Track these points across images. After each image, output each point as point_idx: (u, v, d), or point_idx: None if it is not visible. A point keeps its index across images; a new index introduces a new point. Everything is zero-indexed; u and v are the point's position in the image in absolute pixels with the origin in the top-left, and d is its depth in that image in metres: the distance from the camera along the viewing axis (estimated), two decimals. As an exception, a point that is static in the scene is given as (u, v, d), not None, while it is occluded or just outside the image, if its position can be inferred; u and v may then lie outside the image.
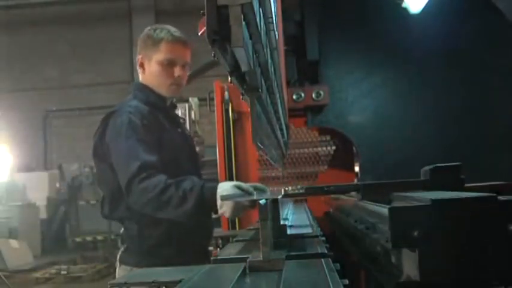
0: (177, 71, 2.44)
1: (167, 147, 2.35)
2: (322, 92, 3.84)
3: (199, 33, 2.51)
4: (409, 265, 1.19)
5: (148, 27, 2.53)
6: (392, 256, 1.35)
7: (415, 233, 1.10)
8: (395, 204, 1.44)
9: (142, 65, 2.48)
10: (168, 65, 2.43)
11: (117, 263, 2.43)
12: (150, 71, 2.46)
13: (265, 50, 1.21)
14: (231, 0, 0.79)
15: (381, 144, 3.98)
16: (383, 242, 1.27)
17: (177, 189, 2.10)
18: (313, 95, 3.83)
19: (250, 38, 0.99)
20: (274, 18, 1.40)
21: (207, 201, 2.09)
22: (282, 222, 1.76)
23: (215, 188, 2.10)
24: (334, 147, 3.99)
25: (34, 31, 14.84)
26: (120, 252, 2.42)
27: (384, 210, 1.30)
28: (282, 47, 2.73)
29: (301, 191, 2.22)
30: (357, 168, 4.08)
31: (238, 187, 2.07)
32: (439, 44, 3.94)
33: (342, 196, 2.58)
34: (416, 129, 3.99)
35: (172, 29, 2.47)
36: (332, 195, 3.01)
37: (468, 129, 3.91)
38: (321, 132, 4.02)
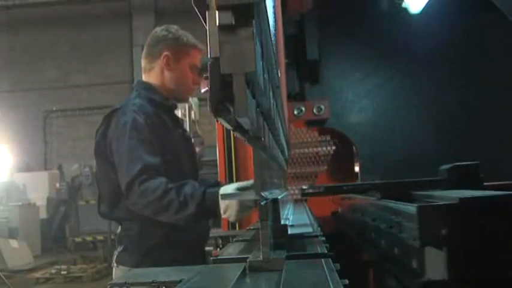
0: (198, 78, 2.54)
1: (169, 147, 2.35)
2: (323, 107, 3.83)
3: (201, 91, 2.57)
4: (437, 264, 1.17)
5: (166, 27, 2.54)
6: (418, 255, 1.34)
7: (443, 232, 1.09)
8: (418, 202, 1.43)
9: (168, 63, 2.47)
10: (193, 70, 2.51)
11: (114, 264, 2.41)
12: (177, 70, 2.48)
13: (268, 99, 1.19)
14: (235, 69, 0.78)
15: (380, 144, 3.98)
16: (409, 241, 1.25)
17: (177, 194, 2.10)
18: (314, 110, 3.82)
19: (254, 97, 0.97)
20: (275, 61, 1.37)
21: (209, 207, 2.11)
22: (282, 222, 1.76)
23: (217, 194, 2.10)
24: (334, 147, 3.98)
25: (34, 31, 14.83)
26: (117, 253, 2.40)
27: (407, 208, 1.29)
28: (282, 63, 2.70)
29: (321, 189, 2.21)
30: (357, 168, 4.08)
31: (240, 188, 2.07)
32: (439, 44, 3.94)
33: (354, 195, 2.55)
34: (416, 129, 3.99)
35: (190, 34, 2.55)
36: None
37: (468, 129, 3.91)
38: (321, 132, 4.02)
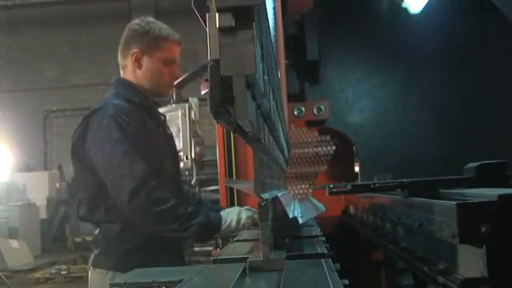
0: (177, 72, 2.42)
1: (152, 149, 2.29)
2: (323, 107, 3.83)
3: (202, 93, 2.42)
4: (475, 261, 1.18)
5: (139, 21, 2.40)
6: (453, 252, 1.34)
7: (483, 229, 1.10)
8: (448, 200, 1.43)
9: (137, 60, 2.35)
10: (168, 64, 2.37)
11: (89, 267, 2.34)
12: (149, 67, 2.34)
13: (269, 101, 1.18)
14: (235, 71, 0.78)
15: (381, 144, 3.99)
16: (445, 238, 1.25)
17: (185, 208, 2.14)
18: (314, 110, 3.82)
19: (254, 99, 0.97)
20: (275, 63, 1.36)
21: (212, 223, 2.20)
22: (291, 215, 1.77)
23: (220, 215, 2.23)
24: (334, 147, 3.98)
25: (34, 31, 14.83)
26: (93, 256, 2.33)
27: (443, 205, 1.29)
28: (282, 64, 2.67)
29: (348, 187, 2.22)
30: (357, 169, 4.08)
31: (243, 211, 2.16)
32: (439, 44, 3.94)
33: (370, 193, 2.53)
34: (417, 129, 3.99)
35: (165, 26, 2.39)
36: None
37: (467, 128, 3.92)
38: (321, 132, 4.02)
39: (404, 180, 1.86)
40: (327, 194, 2.45)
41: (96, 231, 2.36)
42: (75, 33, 14.75)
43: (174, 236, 2.19)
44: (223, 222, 2.22)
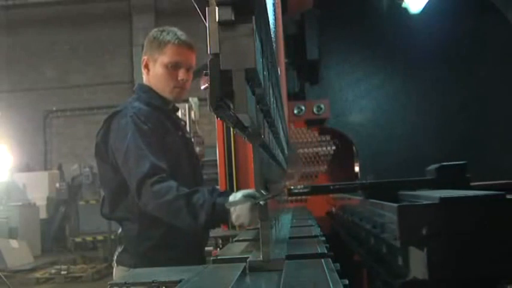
0: (181, 75, 2.43)
1: (169, 150, 2.34)
2: (323, 106, 3.83)
3: (201, 88, 2.43)
4: (417, 263, 1.18)
5: (156, 29, 2.51)
6: (399, 255, 1.34)
7: (424, 231, 1.09)
8: (403, 202, 1.43)
9: (147, 66, 2.45)
10: (173, 68, 2.41)
11: (114, 264, 2.44)
12: (154, 72, 2.43)
13: (268, 96, 1.17)
14: (235, 65, 0.77)
15: (381, 144, 3.98)
16: (391, 240, 1.25)
17: (187, 204, 2.08)
18: (314, 109, 3.83)
19: (253, 94, 0.96)
20: (275, 59, 1.35)
21: (219, 217, 2.12)
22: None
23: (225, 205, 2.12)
24: (334, 147, 3.98)
25: (34, 31, 14.83)
26: (117, 253, 2.42)
27: (389, 207, 1.29)
28: (282, 62, 2.67)
29: (306, 189, 2.21)
30: (357, 168, 4.08)
31: (247, 195, 2.07)
32: (439, 44, 3.94)
33: (346, 195, 2.56)
34: (417, 129, 3.99)
35: (179, 32, 2.45)
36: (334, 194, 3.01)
37: (467, 129, 3.91)
38: (321, 132, 4.02)
39: (364, 181, 1.86)
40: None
41: (119, 230, 2.44)
42: (75, 33, 14.75)
43: (185, 227, 2.18)
44: (234, 221, 2.11)
